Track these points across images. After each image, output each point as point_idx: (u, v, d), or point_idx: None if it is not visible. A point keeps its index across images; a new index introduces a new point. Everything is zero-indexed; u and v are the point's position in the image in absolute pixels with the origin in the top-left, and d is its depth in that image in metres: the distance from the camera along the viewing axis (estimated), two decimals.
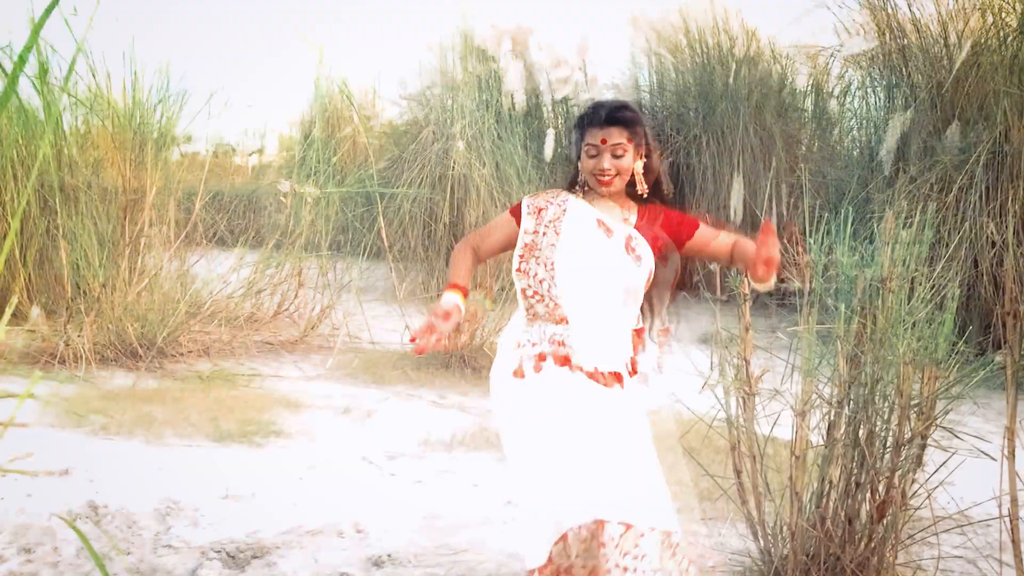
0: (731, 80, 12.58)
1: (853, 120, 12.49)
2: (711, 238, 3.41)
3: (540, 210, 3.34)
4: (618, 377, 3.25)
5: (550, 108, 13.77)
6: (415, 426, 6.43)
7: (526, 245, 3.31)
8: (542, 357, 3.19)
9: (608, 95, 14.40)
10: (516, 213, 3.38)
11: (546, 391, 3.16)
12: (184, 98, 9.21)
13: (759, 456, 4.02)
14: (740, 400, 4.02)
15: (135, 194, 8.46)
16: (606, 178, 3.29)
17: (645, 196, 3.41)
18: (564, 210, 3.32)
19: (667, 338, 3.55)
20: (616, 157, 3.30)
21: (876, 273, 3.90)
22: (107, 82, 8.89)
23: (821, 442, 4.01)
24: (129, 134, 8.67)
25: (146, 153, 8.62)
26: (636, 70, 14.06)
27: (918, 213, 4.27)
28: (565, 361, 3.18)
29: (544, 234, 3.29)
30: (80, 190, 8.35)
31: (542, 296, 3.24)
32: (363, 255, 10.47)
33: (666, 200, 3.48)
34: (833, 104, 12.56)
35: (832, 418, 3.99)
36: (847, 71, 12.35)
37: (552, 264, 3.24)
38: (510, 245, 3.38)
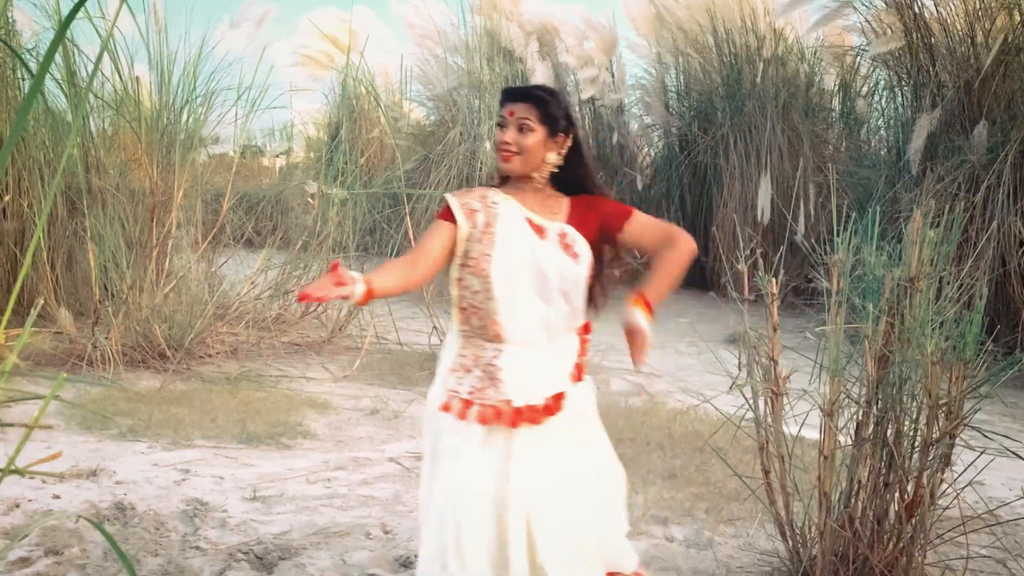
0: (759, 80, 12.58)
1: (880, 119, 12.48)
2: (646, 227, 3.23)
3: (473, 212, 3.08)
4: (558, 399, 3.04)
5: (577, 108, 13.79)
6: None
7: (465, 253, 3.06)
8: (467, 404, 2.98)
9: (634, 96, 14.46)
10: (449, 216, 3.07)
11: (467, 453, 2.99)
12: (212, 99, 9.26)
13: (787, 456, 4.02)
14: (768, 400, 4.01)
15: (163, 196, 8.50)
16: (505, 152, 3.08)
17: (571, 188, 3.24)
18: (496, 214, 3.08)
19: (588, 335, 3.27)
20: (520, 131, 3.08)
21: (904, 273, 3.88)
22: (134, 83, 8.94)
23: (849, 442, 3.99)
24: (156, 135, 8.71)
25: (174, 155, 8.65)
26: (663, 70, 14.08)
27: (946, 212, 4.26)
28: (495, 415, 2.96)
29: (480, 240, 3.04)
30: (108, 192, 8.39)
31: (477, 309, 3.04)
32: (391, 256, 10.49)
33: (594, 190, 3.27)
34: (861, 104, 12.55)
35: (860, 418, 3.98)
36: (874, 70, 12.33)
37: (487, 275, 3.02)
38: (450, 253, 3.07)
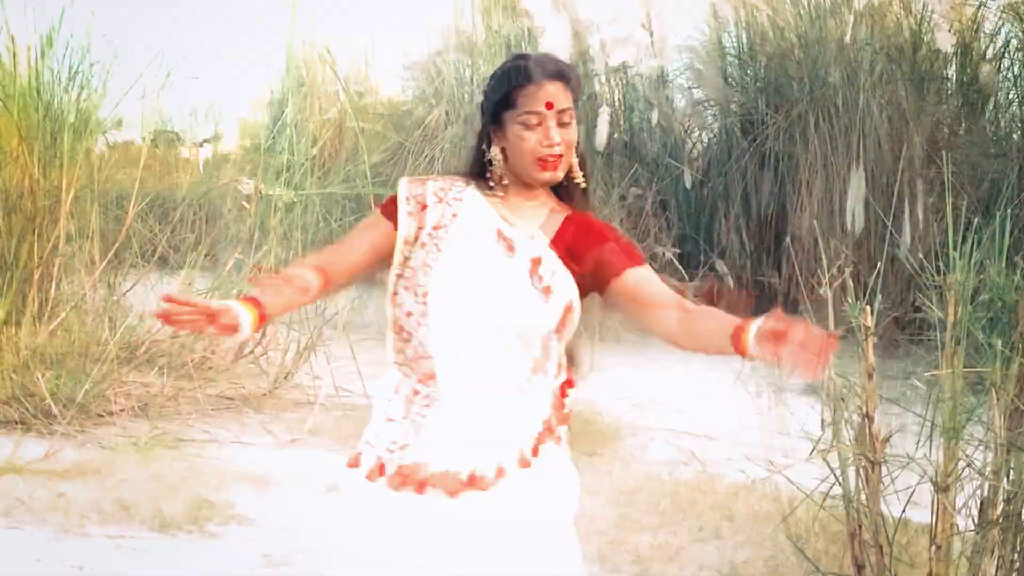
0: (847, 39, 12.57)
1: (1012, 92, 12.45)
2: (653, 283, 2.92)
3: (423, 207, 2.92)
4: (500, 473, 2.81)
5: (604, 78, 13.79)
6: None
7: (404, 260, 2.89)
8: (380, 468, 2.83)
9: (681, 62, 14.42)
10: (390, 212, 2.93)
11: (369, 526, 2.88)
12: (110, 70, 9.27)
13: (888, 545, 4.03)
14: (861, 470, 4.02)
15: (47, 199, 8.51)
16: (551, 160, 2.87)
17: (573, 198, 3.03)
18: (454, 214, 2.91)
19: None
20: (563, 126, 2.87)
21: None
22: (9, 46, 8.95)
23: (972, 526, 4.00)
24: (36, 118, 8.71)
25: (60, 143, 8.66)
26: (720, 27, 14.05)
27: None
28: (402, 480, 2.80)
29: (423, 245, 2.87)
30: None
31: (409, 336, 2.86)
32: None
33: (588, 207, 3.07)
34: (986, 70, 12.52)
35: (986, 493, 3.99)
36: (1003, 26, 12.30)
37: (424, 293, 2.84)
38: (381, 258, 2.95)
